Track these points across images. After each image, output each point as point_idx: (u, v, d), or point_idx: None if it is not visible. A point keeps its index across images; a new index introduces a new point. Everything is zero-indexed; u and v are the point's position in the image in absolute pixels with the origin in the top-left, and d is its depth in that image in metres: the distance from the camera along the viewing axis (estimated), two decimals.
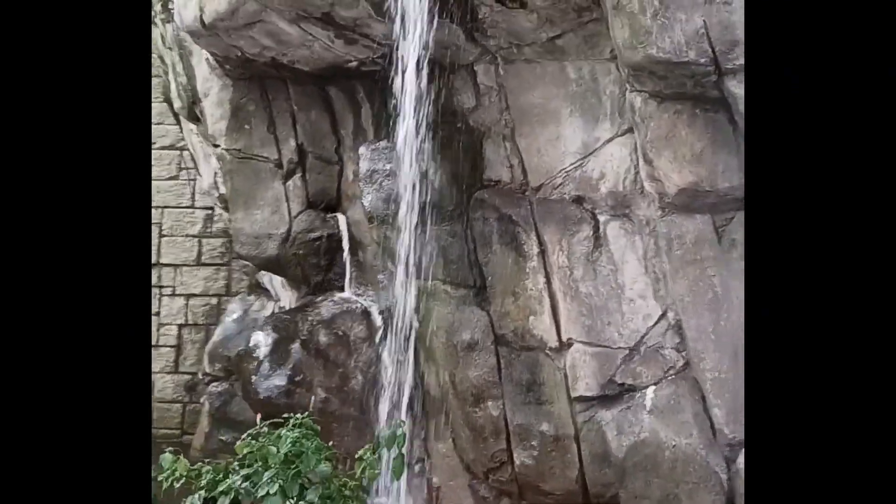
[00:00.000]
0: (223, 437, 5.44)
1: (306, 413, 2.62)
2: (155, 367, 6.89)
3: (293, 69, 4.41)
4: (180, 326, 7.01)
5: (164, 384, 6.97)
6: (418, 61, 3.46)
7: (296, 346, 4.14)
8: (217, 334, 5.72)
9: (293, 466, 2.23)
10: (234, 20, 4.01)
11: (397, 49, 3.54)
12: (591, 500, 3.35)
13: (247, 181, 4.87)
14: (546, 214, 3.65)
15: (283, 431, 2.46)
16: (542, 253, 3.59)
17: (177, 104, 5.29)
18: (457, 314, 3.64)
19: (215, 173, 5.40)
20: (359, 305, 4.38)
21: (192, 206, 6.98)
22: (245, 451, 2.41)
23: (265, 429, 2.60)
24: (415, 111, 3.49)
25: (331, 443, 2.69)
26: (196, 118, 5.24)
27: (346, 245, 4.61)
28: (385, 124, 4.51)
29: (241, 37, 4.19)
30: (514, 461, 3.45)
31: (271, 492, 2.09)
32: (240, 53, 4.37)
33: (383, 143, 4.02)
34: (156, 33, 5.47)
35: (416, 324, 3.68)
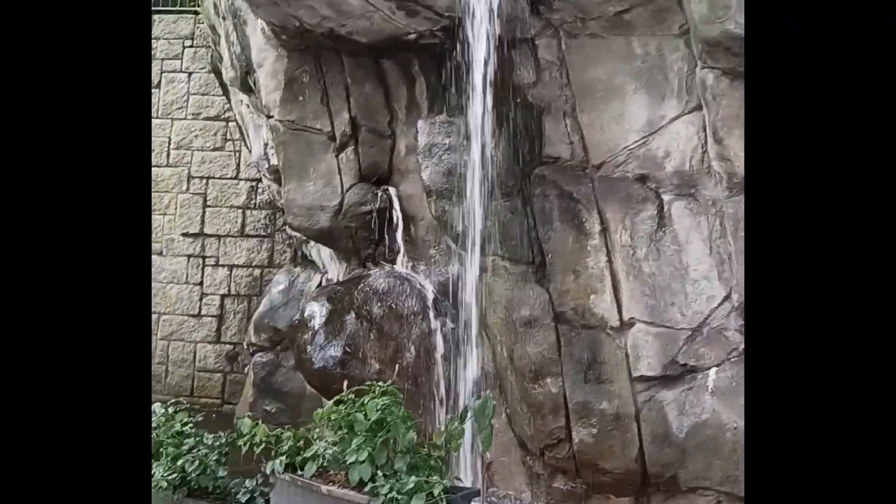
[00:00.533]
0: (268, 407, 5.52)
1: (389, 382, 2.62)
2: (197, 336, 7.00)
3: (350, 41, 4.39)
4: (223, 297, 7.07)
5: (205, 353, 7.06)
6: (487, 35, 3.41)
7: (350, 317, 4.16)
8: (263, 305, 5.77)
9: (380, 434, 2.23)
10: None
11: (465, 21, 3.49)
12: (651, 479, 3.35)
13: (300, 153, 4.87)
14: (608, 192, 3.61)
15: (368, 399, 2.46)
16: (604, 231, 3.56)
17: (229, 74, 5.29)
18: (516, 290, 3.63)
19: (266, 144, 5.42)
20: (412, 279, 4.38)
21: (236, 178, 7.01)
22: (332, 417, 2.41)
23: (351, 395, 2.60)
24: (483, 85, 3.44)
25: None
26: (249, 89, 5.24)
27: (398, 219, 4.61)
28: (441, 98, 4.49)
29: (300, 6, 4.17)
30: (572, 438, 3.45)
31: (360, 459, 2.10)
32: (298, 23, 4.35)
33: (442, 117, 4.00)
34: (208, 2, 5.48)
35: (474, 298, 3.66)
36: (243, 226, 7.04)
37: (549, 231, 3.64)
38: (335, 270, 5.33)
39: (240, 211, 7.03)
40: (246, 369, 5.91)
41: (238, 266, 7.00)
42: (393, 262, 4.68)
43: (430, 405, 4.05)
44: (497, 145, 3.84)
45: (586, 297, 3.52)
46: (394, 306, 4.25)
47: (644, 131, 3.62)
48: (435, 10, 3.85)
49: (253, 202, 7.05)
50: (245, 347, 5.93)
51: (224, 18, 5.21)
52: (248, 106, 5.61)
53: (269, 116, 4.96)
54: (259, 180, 6.93)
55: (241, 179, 7.04)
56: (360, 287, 4.36)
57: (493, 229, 3.69)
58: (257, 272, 7.06)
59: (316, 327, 4.13)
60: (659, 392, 3.37)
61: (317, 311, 4.18)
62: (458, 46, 3.58)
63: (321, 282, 5.64)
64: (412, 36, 4.21)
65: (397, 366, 4.04)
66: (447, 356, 4.10)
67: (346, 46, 4.53)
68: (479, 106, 3.51)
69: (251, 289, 6.99)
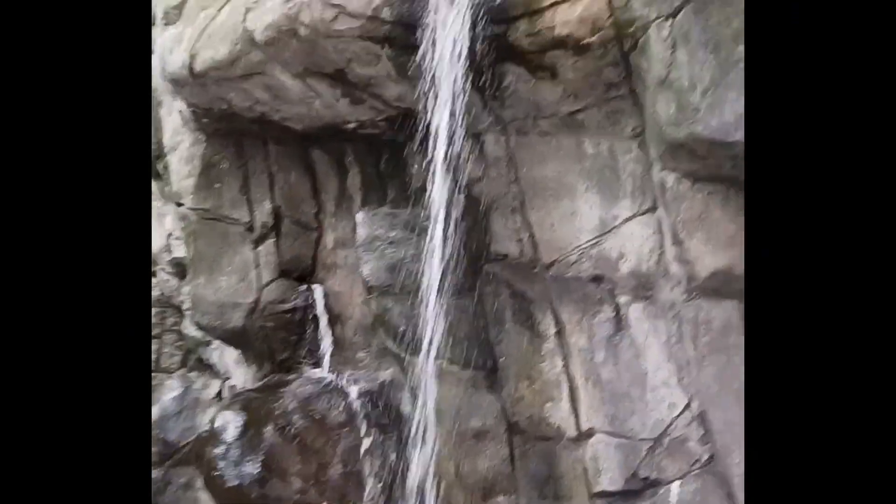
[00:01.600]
0: None
1: None
2: None
3: (281, 127, 4.13)
4: None
5: None
6: (446, 127, 3.26)
7: (269, 429, 3.68)
8: (153, 414, 5.09)
9: None
10: (232, 70, 3.73)
11: (424, 112, 3.33)
12: None
13: (212, 244, 4.46)
14: (563, 293, 3.44)
15: None
16: (559, 333, 3.37)
17: None
18: (465, 398, 3.32)
19: (169, 235, 4.95)
20: (337, 386, 3.98)
21: None
22: None
23: None
24: (443, 177, 3.25)
25: None
26: (156, 175, 4.82)
27: (322, 319, 4.24)
28: (378, 190, 4.28)
29: (232, 89, 3.90)
30: None
31: None
32: (225, 106, 4.07)
33: (384, 209, 3.76)
34: None
35: (421, 407, 3.31)
36: None
37: (502, 332, 3.40)
38: (241, 376, 4.81)
39: None
40: None
41: None
42: (314, 366, 4.26)
43: None
44: (445, 240, 3.63)
45: (541, 405, 3.26)
46: (317, 416, 3.81)
47: (597, 231, 3.52)
48: (384, 100, 3.68)
49: None
50: None
51: None
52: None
53: (178, 204, 4.55)
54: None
55: None
56: (278, 395, 3.89)
57: (440, 330, 3.40)
58: None
59: (229, 440, 3.62)
60: None
61: (230, 422, 3.67)
62: (419, 139, 3.40)
63: (221, 389, 5.08)
64: (351, 125, 4.01)
65: (323, 485, 3.58)
66: (378, 473, 3.68)
67: (275, 133, 4.27)
68: (439, 195, 3.29)
69: None
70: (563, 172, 3.70)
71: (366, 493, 3.59)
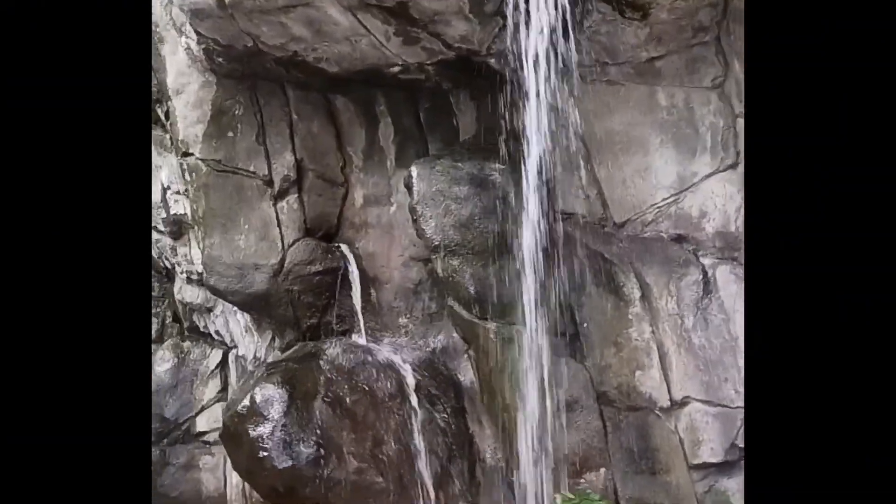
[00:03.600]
0: None
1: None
2: None
3: (313, 69, 3.70)
4: None
5: None
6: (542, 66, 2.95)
7: (318, 403, 3.32)
8: None
9: None
10: (273, 1, 3.27)
11: (512, 53, 3.00)
12: None
13: (226, 199, 4.01)
14: (644, 254, 3.23)
15: None
16: (645, 297, 3.15)
17: None
18: (549, 367, 3.07)
19: (165, 189, 4.45)
20: (380, 355, 3.65)
21: None
22: None
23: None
24: (538, 129, 2.94)
25: None
26: (155, 120, 4.29)
27: (355, 282, 3.88)
28: (414, 141, 3.93)
29: (266, 22, 3.44)
30: None
31: None
32: (251, 43, 3.60)
33: (445, 161, 3.42)
34: None
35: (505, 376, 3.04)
36: None
37: (582, 296, 3.15)
38: (251, 345, 4.40)
39: None
40: None
41: None
42: (344, 333, 3.91)
43: None
44: (505, 199, 3.33)
45: (631, 374, 3.05)
46: (365, 388, 3.48)
47: (674, 188, 3.31)
48: (443, 40, 3.32)
49: None
50: None
51: None
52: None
53: (185, 154, 4.06)
54: None
55: None
56: (319, 365, 3.53)
57: (514, 293, 3.13)
58: None
59: (275, 417, 3.24)
60: (719, 481, 2.95)
61: (274, 397, 3.28)
62: (507, 81, 3.07)
63: (225, 358, 4.66)
64: (394, 69, 3.62)
65: (380, 463, 3.27)
66: (435, 449, 3.40)
67: (300, 76, 3.83)
68: (536, 144, 2.99)
69: None
70: (633, 125, 3.46)
71: (423, 470, 3.30)
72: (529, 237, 2.98)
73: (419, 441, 3.39)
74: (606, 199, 3.42)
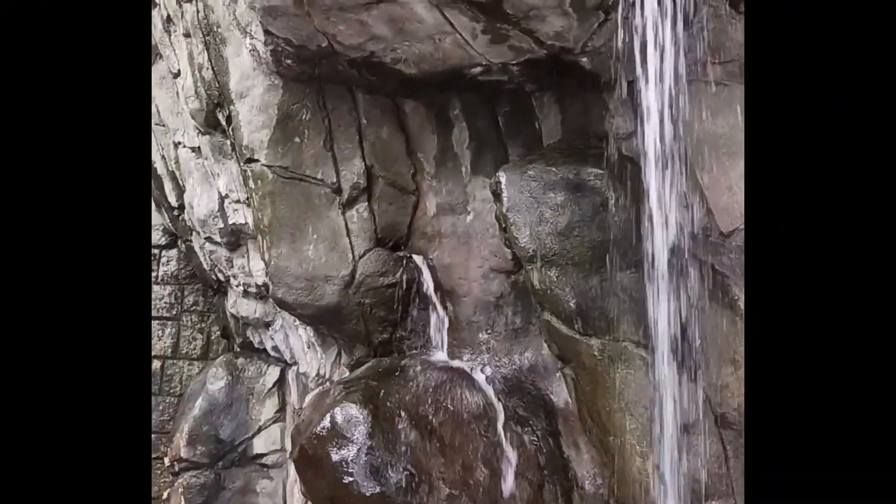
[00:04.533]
0: None
1: None
2: None
3: (389, 71, 3.50)
4: None
5: None
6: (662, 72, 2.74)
7: (403, 424, 3.10)
8: (198, 408, 4.45)
9: None
10: None
11: (612, 51, 2.80)
12: None
13: (295, 208, 3.81)
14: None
15: None
16: None
17: (191, 105, 4.13)
18: (659, 386, 2.83)
19: (223, 197, 4.26)
20: (463, 373, 3.43)
21: None
22: None
23: None
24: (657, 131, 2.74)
25: None
26: (214, 125, 4.11)
27: (433, 295, 3.67)
28: (492, 147, 3.73)
29: (344, 21, 3.25)
30: None
31: None
32: (325, 44, 3.41)
33: (538, 166, 3.21)
34: (157, 16, 4.32)
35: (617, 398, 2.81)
36: None
37: (693, 310, 2.92)
38: (314, 362, 4.20)
39: None
40: (166, 494, 4.45)
41: None
42: (418, 349, 3.69)
43: None
44: (605, 205, 3.12)
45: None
46: (451, 408, 3.25)
47: None
48: (536, 37, 3.12)
49: (154, 274, 5.65)
50: (167, 464, 4.49)
51: (188, 36, 4.09)
52: (194, 149, 4.44)
53: (249, 160, 3.87)
54: (163, 247, 5.60)
55: None
56: (401, 384, 3.31)
57: (620, 307, 2.91)
58: (157, 364, 5.60)
59: (360, 439, 3.02)
60: None
61: (358, 417, 3.06)
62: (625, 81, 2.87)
63: (283, 375, 4.46)
64: (476, 69, 3.42)
65: (472, 490, 3.04)
66: (527, 475, 3.17)
67: (371, 79, 3.64)
68: (652, 146, 2.78)
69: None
70: (738, 128, 3.25)
71: (516, 498, 3.07)
72: (653, 248, 2.76)
73: (510, 466, 3.16)
74: (711, 206, 3.19)
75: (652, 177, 2.75)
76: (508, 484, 3.13)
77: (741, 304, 2.94)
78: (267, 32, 3.53)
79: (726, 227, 3.18)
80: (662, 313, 2.87)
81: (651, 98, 2.77)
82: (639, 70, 3.08)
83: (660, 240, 2.85)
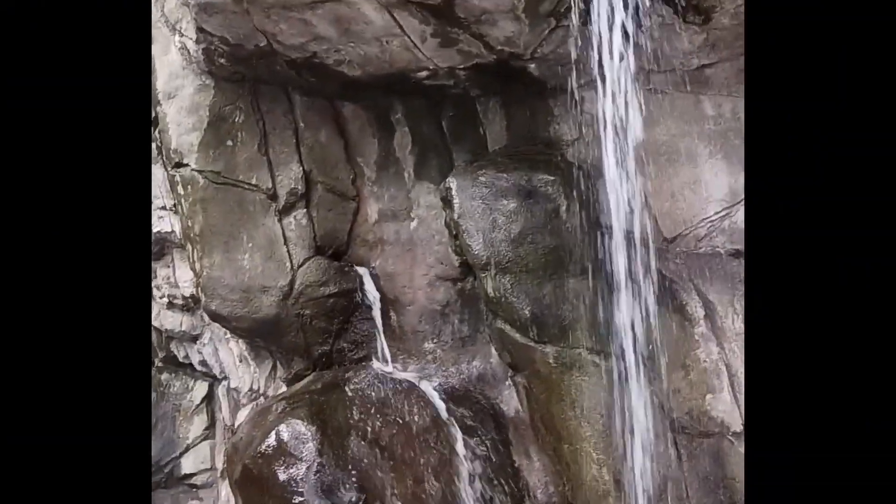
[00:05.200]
0: None
1: None
2: None
3: (330, 73, 3.39)
4: None
5: None
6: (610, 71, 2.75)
7: (352, 439, 2.99)
8: None
9: None
10: None
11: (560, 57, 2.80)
12: None
13: (229, 215, 3.63)
14: (703, 270, 3.06)
15: None
16: (709, 316, 2.98)
17: None
18: (614, 392, 2.84)
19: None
20: (409, 384, 3.34)
21: None
22: None
23: None
24: (615, 134, 2.74)
25: None
26: None
27: (375, 304, 3.57)
28: (437, 152, 3.67)
29: (287, 19, 3.12)
30: None
31: None
32: (264, 43, 3.27)
33: (489, 172, 3.17)
34: None
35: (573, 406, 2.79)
36: None
37: (644, 316, 2.95)
38: (247, 376, 4.01)
39: None
40: None
41: None
42: (361, 360, 3.58)
43: None
44: (556, 212, 3.12)
45: (701, 398, 2.86)
46: (400, 421, 3.16)
47: (726, 201, 3.17)
48: (485, 41, 3.09)
49: None
50: None
51: None
52: None
53: (178, 165, 3.67)
54: None
55: None
56: (347, 396, 3.20)
57: (574, 314, 2.91)
58: None
59: (309, 456, 2.88)
60: None
61: (306, 434, 2.93)
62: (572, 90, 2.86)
63: (211, 390, 4.25)
64: (422, 73, 3.36)
65: None
66: (477, 485, 3.11)
67: (311, 80, 3.52)
68: (610, 152, 2.78)
69: None
70: (679, 136, 3.32)
71: None
72: (605, 254, 2.77)
73: (461, 477, 3.09)
74: (655, 212, 3.24)
75: (599, 183, 2.75)
76: (460, 495, 3.06)
77: (689, 308, 3.00)
78: (200, 30, 3.35)
79: (669, 232, 3.23)
80: (616, 319, 2.88)
81: (598, 105, 2.77)
82: (585, 77, 3.12)
83: (610, 246, 2.86)
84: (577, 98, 3.27)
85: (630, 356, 2.86)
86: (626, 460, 2.75)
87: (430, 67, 3.30)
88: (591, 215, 3.11)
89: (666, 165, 3.28)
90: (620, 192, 3.08)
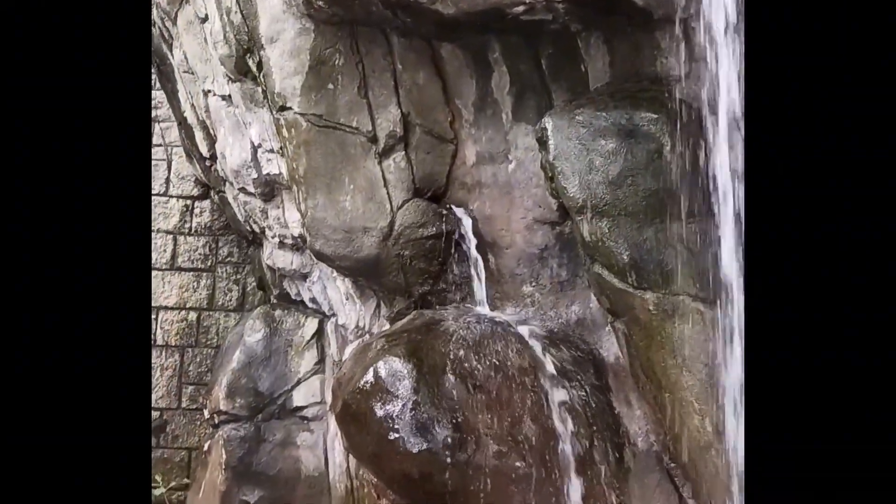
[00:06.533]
0: (247, 497, 4.18)
1: None
2: None
3: (427, 12, 3.32)
4: None
5: None
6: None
7: (448, 378, 3.03)
8: (236, 360, 4.41)
9: None
10: None
11: None
12: None
13: (330, 157, 3.68)
14: None
15: None
16: None
17: (220, 51, 3.98)
18: (718, 342, 2.72)
19: (256, 147, 4.14)
20: (508, 326, 3.33)
21: (166, 195, 5.54)
22: None
23: None
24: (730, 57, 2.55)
25: None
26: (245, 71, 3.97)
27: (472, 247, 3.56)
28: (536, 92, 3.55)
29: None
30: None
31: None
32: None
33: (587, 112, 3.04)
34: None
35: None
36: (174, 256, 5.56)
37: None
38: (353, 314, 4.13)
39: (170, 237, 5.56)
40: (206, 446, 4.47)
41: (167, 308, 5.50)
42: (460, 302, 3.60)
43: (561, 496, 3.01)
44: (659, 152, 2.95)
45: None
46: (496, 363, 3.17)
47: None
48: None
49: (188, 226, 5.60)
50: (206, 417, 4.49)
51: None
52: (224, 97, 4.30)
53: (282, 108, 3.73)
54: (195, 198, 5.53)
55: (172, 196, 5.58)
56: (445, 337, 3.23)
57: (677, 260, 2.77)
58: (193, 316, 5.59)
59: (405, 394, 2.95)
60: None
61: (402, 372, 2.99)
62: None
63: (321, 327, 4.41)
64: (518, 8, 3.22)
65: (520, 446, 2.98)
66: (576, 431, 3.09)
67: (406, 21, 3.46)
68: (712, 96, 2.60)
69: (185, 338, 5.52)
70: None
71: (567, 453, 3.00)
72: (715, 196, 2.61)
73: (559, 421, 3.08)
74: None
75: (711, 122, 2.57)
76: (558, 439, 3.06)
77: None
78: None
79: None
80: (722, 266, 2.73)
81: (708, 36, 2.57)
82: (694, 5, 2.90)
83: (722, 188, 2.69)
84: (687, 28, 3.07)
85: (737, 305, 2.72)
86: (727, 412, 2.64)
87: (527, 1, 3.16)
88: (697, 156, 2.93)
89: None
90: (733, 129, 2.89)
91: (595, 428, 3.10)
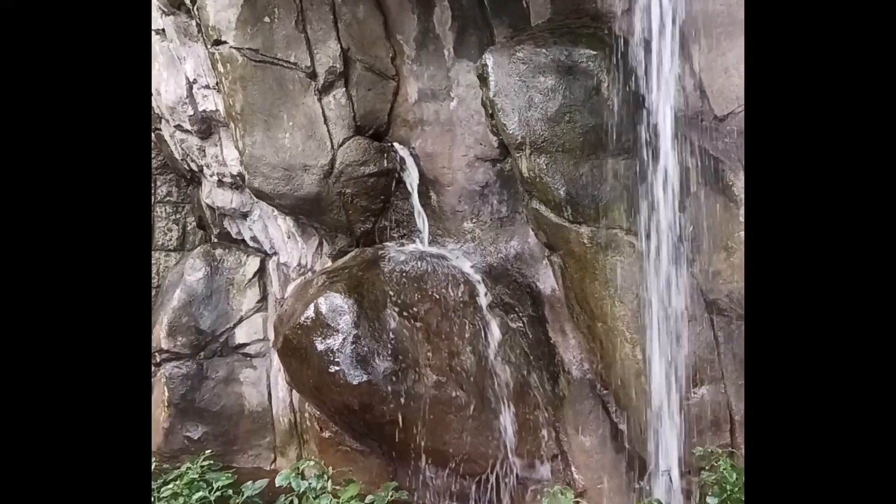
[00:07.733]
0: (190, 433, 4.20)
1: None
2: None
3: None
4: None
5: None
6: None
7: (388, 312, 3.07)
8: (177, 299, 4.36)
9: None
10: None
11: None
12: None
13: (268, 94, 3.62)
14: None
15: None
16: None
17: None
18: (649, 272, 2.82)
19: (192, 82, 4.03)
20: (447, 261, 3.38)
21: None
22: None
23: None
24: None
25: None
26: (178, 4, 3.83)
27: (414, 183, 3.57)
28: (477, 27, 3.53)
29: None
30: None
31: None
32: None
33: (527, 48, 3.04)
34: None
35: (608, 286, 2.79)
36: None
37: (687, 197, 2.87)
38: (295, 252, 4.12)
39: None
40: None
41: None
42: (402, 238, 3.63)
43: (498, 423, 3.12)
44: (597, 89, 2.99)
45: (742, 281, 2.81)
46: (436, 296, 3.23)
47: None
48: None
49: None
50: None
51: None
52: (158, 31, 4.15)
53: (217, 42, 3.64)
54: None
55: None
56: (385, 272, 3.26)
57: (612, 194, 2.85)
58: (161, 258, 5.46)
59: (345, 328, 2.99)
60: None
61: (343, 307, 3.02)
62: None
63: (263, 265, 4.38)
64: None
65: (458, 376, 3.07)
66: (514, 360, 3.19)
67: None
68: (647, 33, 2.63)
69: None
70: (737, 6, 3.09)
71: (502, 382, 3.10)
72: (648, 132, 2.67)
73: (496, 351, 3.18)
74: (706, 89, 3.09)
75: (645, 58, 2.61)
76: (495, 369, 3.16)
77: (735, 189, 2.90)
78: None
79: (721, 110, 3.09)
80: (656, 199, 2.82)
81: None
82: None
83: (654, 124, 2.75)
84: None
85: (669, 237, 2.82)
86: (660, 341, 2.76)
87: None
88: (634, 92, 2.99)
89: (721, 39, 3.08)
90: (669, 66, 2.94)
91: (532, 357, 3.21)
